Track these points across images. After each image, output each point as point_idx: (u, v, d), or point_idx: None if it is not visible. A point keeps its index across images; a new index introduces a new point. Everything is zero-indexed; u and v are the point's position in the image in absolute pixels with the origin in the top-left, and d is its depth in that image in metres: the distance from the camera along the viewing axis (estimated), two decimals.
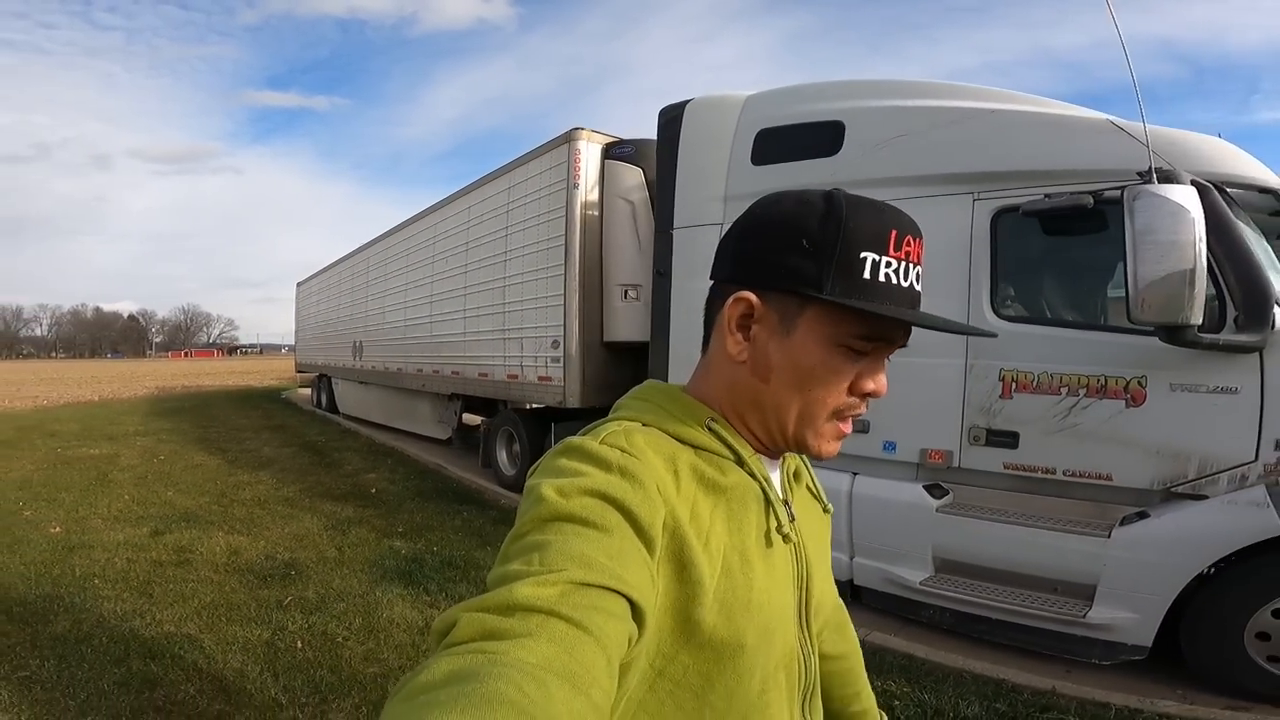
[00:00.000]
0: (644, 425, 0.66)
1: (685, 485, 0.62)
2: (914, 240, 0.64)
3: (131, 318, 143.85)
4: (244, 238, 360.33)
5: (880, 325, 0.64)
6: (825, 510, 0.82)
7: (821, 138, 3.79)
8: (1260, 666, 2.71)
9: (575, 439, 0.63)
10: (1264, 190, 3.08)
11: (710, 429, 0.67)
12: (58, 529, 5.32)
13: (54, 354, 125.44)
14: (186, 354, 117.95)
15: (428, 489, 6.90)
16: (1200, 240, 2.45)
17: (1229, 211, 2.81)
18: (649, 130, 4.90)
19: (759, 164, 4.05)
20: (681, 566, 0.58)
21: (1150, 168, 2.58)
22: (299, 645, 3.29)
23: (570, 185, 5.75)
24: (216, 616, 3.62)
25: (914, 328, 0.65)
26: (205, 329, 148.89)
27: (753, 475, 0.67)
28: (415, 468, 8.15)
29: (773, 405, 0.67)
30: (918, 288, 0.65)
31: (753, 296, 0.65)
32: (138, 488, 6.87)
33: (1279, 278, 2.81)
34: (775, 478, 0.72)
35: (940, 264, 3.22)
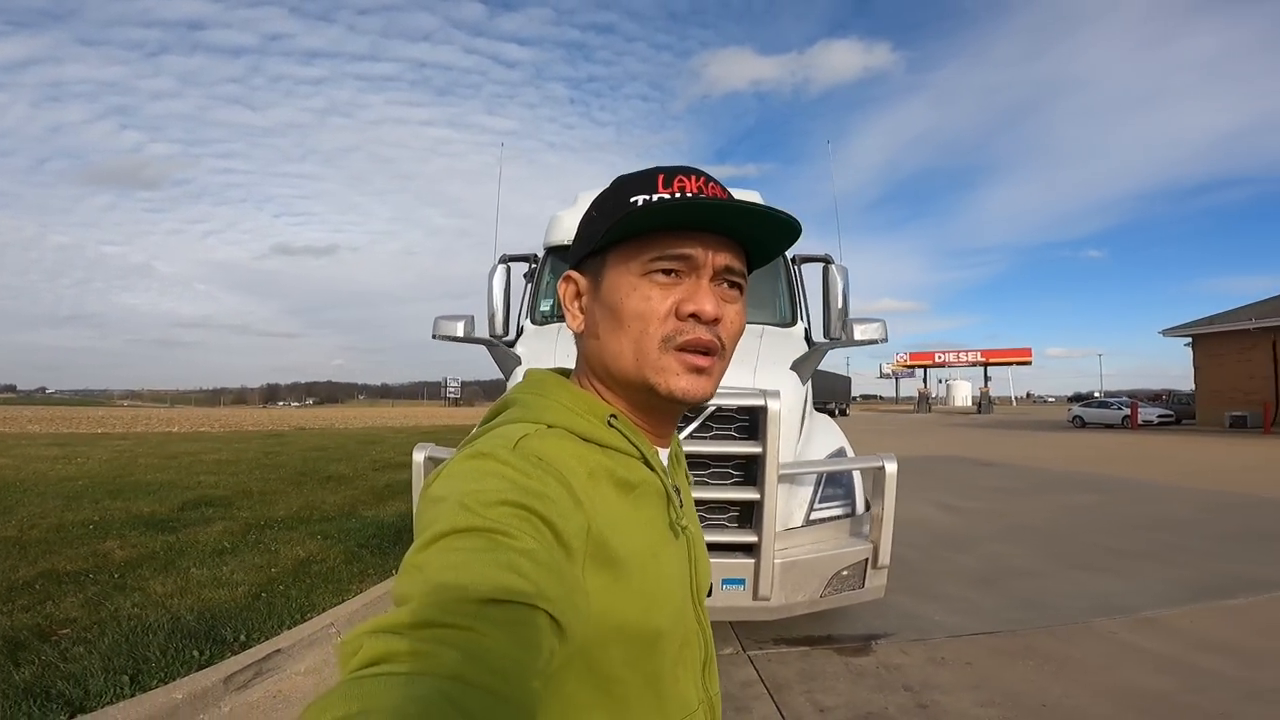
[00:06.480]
0: (549, 426, 0.64)
1: (601, 488, 0.62)
2: (689, 178, 0.68)
3: None
4: None
5: (665, 245, 0.66)
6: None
7: None
8: None
9: (485, 444, 0.60)
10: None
11: (613, 426, 0.67)
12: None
13: None
14: None
15: None
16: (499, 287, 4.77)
17: (541, 265, 4.92)
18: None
19: None
20: (606, 571, 0.58)
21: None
22: None
23: None
24: None
25: (731, 257, 0.68)
26: None
27: (654, 470, 0.68)
28: None
29: (611, 355, 0.68)
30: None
31: (573, 273, 0.73)
32: None
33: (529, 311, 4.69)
34: (665, 463, 0.73)
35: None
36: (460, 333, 4.32)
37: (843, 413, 52.63)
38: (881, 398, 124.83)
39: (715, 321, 0.66)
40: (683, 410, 0.73)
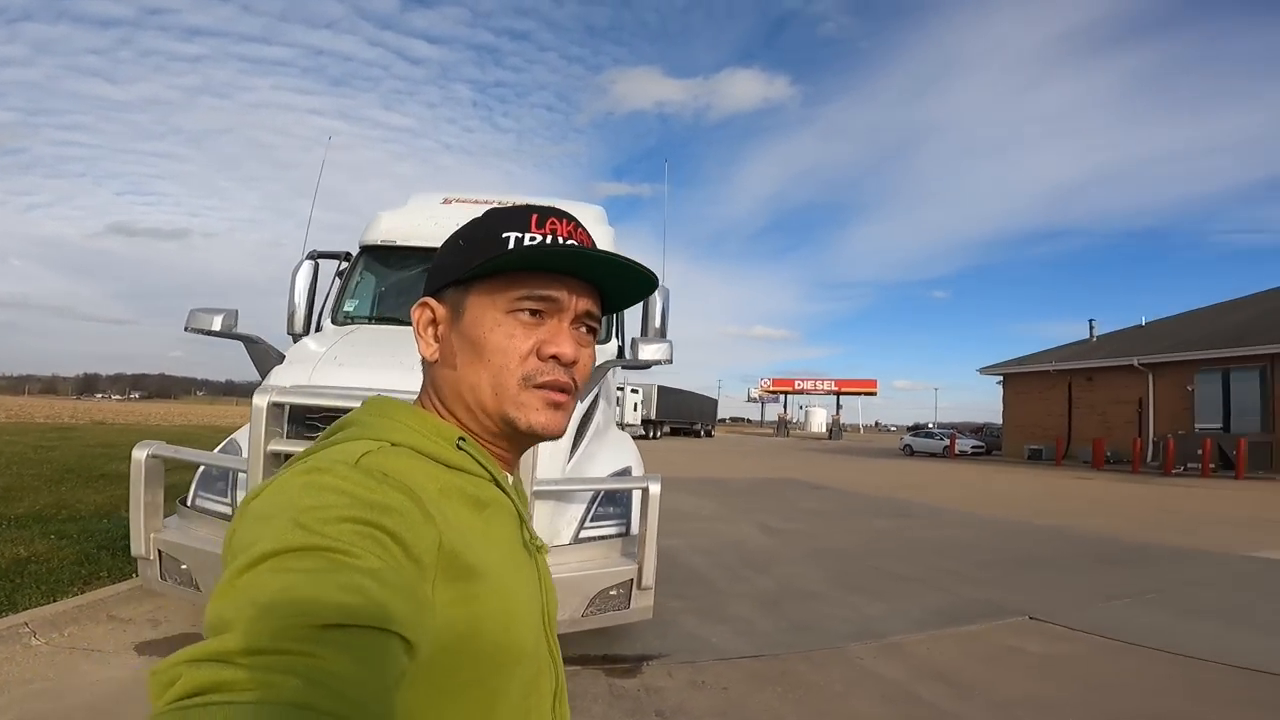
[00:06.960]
0: (393, 445, 0.61)
1: (453, 504, 0.60)
2: (560, 221, 0.69)
3: None
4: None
5: (532, 286, 0.67)
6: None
7: None
8: None
9: (321, 459, 0.57)
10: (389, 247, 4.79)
11: (461, 449, 0.66)
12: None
13: None
14: None
15: None
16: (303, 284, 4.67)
17: (353, 264, 4.87)
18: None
19: None
20: (461, 585, 0.56)
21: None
22: None
23: None
24: None
25: (607, 301, 0.73)
26: None
27: (505, 492, 0.68)
28: None
29: (468, 386, 0.68)
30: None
31: (430, 300, 0.71)
32: None
33: (346, 304, 4.73)
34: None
35: None
36: (218, 327, 3.92)
37: (708, 433, 55.44)
38: (750, 420, 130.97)
39: (573, 364, 0.68)
40: (535, 443, 0.73)
